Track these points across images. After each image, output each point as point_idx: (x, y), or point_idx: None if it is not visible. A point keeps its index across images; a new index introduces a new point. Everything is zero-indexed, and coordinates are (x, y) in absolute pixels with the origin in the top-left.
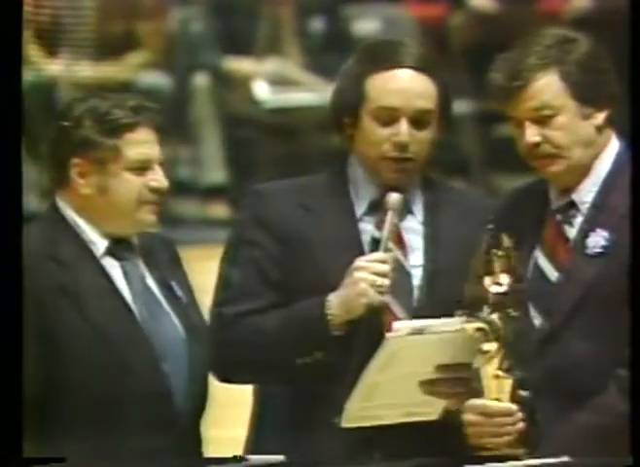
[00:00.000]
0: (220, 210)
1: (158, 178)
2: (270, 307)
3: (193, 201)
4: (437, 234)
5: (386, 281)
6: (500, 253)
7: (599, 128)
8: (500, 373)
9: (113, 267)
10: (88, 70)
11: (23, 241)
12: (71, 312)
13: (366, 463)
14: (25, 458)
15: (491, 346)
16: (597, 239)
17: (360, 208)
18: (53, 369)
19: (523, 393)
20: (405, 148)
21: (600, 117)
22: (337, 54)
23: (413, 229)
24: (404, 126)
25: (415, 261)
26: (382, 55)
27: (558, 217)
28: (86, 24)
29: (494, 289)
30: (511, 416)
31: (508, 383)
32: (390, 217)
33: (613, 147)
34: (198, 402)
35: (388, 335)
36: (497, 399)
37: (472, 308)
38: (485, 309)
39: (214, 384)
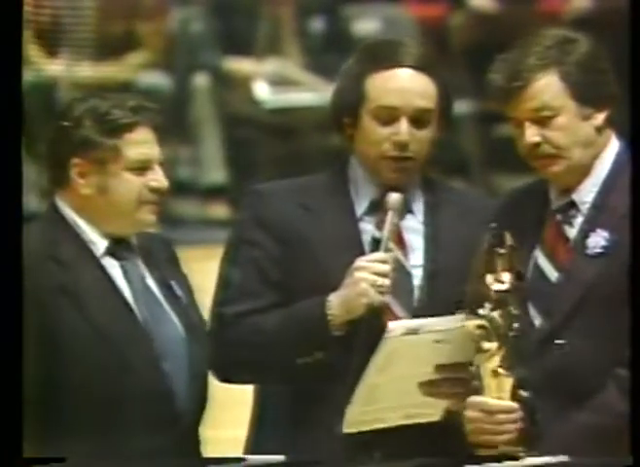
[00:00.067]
0: (220, 210)
1: (157, 178)
2: (271, 307)
3: (193, 201)
4: (437, 234)
5: (387, 281)
6: (502, 251)
7: (599, 129)
8: (500, 371)
9: (113, 266)
10: (88, 70)
11: (23, 241)
12: (71, 312)
13: (366, 463)
14: (25, 458)
15: (492, 344)
16: (597, 239)
17: (360, 208)
18: (54, 369)
19: (523, 393)
20: (405, 147)
21: (600, 117)
22: (337, 54)
23: (414, 228)
24: (404, 126)
25: (416, 261)
26: (382, 55)
27: (558, 217)
28: (86, 24)
29: (496, 286)
30: (511, 414)
31: (508, 382)
32: (390, 217)
33: (613, 147)
34: (199, 402)
35: (385, 336)
36: (498, 397)
37: (473, 306)
38: (487, 306)
39: (214, 384)
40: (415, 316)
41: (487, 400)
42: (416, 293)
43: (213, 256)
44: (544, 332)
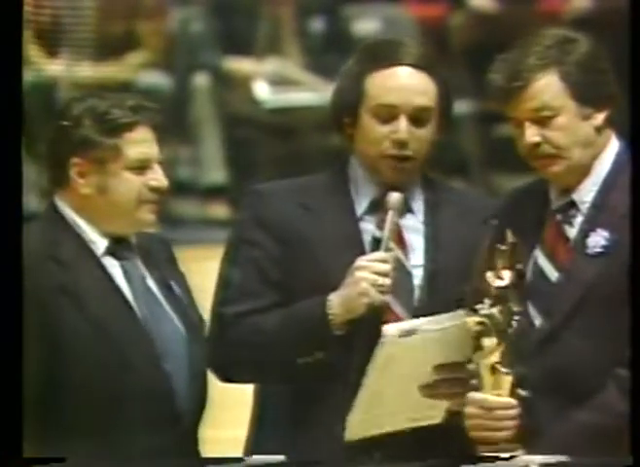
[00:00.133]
0: (220, 210)
1: (157, 177)
2: (271, 307)
3: (193, 201)
4: (437, 234)
5: (387, 281)
6: (503, 248)
7: (599, 129)
8: (499, 368)
9: (113, 266)
10: (88, 70)
11: (23, 241)
12: (72, 312)
13: (366, 463)
14: (25, 458)
15: (491, 341)
16: (597, 239)
17: (360, 208)
18: (54, 368)
19: (522, 392)
20: (404, 145)
21: (600, 117)
22: (337, 54)
23: (414, 228)
24: (403, 124)
25: (416, 260)
26: (382, 54)
27: (558, 217)
28: (86, 24)
29: (496, 283)
30: (510, 410)
31: (507, 380)
32: (391, 216)
33: (613, 147)
34: (199, 401)
35: (380, 341)
36: (497, 395)
37: (473, 302)
38: (486, 302)
39: (214, 384)
40: (416, 316)
41: (486, 396)
42: (417, 292)
43: (213, 256)
44: (544, 332)
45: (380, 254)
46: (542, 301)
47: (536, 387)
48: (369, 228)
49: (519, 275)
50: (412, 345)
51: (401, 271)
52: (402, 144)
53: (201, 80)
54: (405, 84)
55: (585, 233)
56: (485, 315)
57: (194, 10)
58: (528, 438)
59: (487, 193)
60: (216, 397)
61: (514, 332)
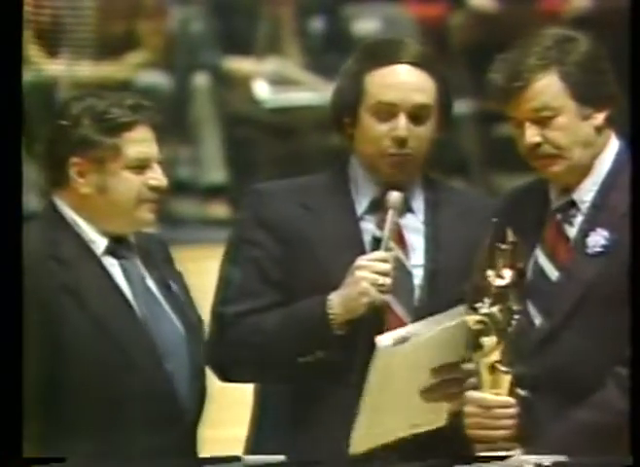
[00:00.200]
0: (220, 210)
1: (157, 177)
2: (271, 307)
3: (193, 201)
4: (438, 234)
5: (388, 280)
6: (504, 247)
7: (599, 129)
8: (499, 367)
9: (112, 265)
10: (88, 70)
11: (23, 241)
12: (73, 311)
13: (365, 463)
14: (25, 458)
15: (491, 339)
16: (597, 239)
17: (361, 207)
18: (55, 368)
19: (521, 392)
20: (403, 143)
21: (600, 117)
22: (337, 54)
23: (414, 228)
24: (402, 121)
25: (416, 260)
26: (381, 53)
27: (558, 216)
28: (86, 24)
29: (497, 282)
30: (508, 409)
31: (506, 379)
32: (391, 216)
33: (613, 147)
34: (199, 401)
35: (375, 351)
36: (495, 394)
37: (473, 300)
38: (487, 301)
39: (214, 384)
40: (416, 315)
41: (485, 395)
42: (417, 292)
43: (213, 256)
44: (544, 331)
45: (381, 253)
46: (542, 300)
47: (536, 386)
48: (369, 227)
49: (520, 274)
50: (408, 352)
51: (401, 271)
52: (401, 142)
53: (201, 80)
54: (404, 81)
55: (585, 233)
56: (485, 314)
57: (194, 10)
58: (528, 437)
59: (487, 193)
60: (215, 396)
61: (513, 331)
